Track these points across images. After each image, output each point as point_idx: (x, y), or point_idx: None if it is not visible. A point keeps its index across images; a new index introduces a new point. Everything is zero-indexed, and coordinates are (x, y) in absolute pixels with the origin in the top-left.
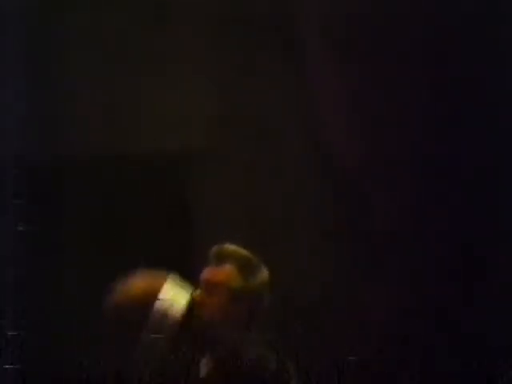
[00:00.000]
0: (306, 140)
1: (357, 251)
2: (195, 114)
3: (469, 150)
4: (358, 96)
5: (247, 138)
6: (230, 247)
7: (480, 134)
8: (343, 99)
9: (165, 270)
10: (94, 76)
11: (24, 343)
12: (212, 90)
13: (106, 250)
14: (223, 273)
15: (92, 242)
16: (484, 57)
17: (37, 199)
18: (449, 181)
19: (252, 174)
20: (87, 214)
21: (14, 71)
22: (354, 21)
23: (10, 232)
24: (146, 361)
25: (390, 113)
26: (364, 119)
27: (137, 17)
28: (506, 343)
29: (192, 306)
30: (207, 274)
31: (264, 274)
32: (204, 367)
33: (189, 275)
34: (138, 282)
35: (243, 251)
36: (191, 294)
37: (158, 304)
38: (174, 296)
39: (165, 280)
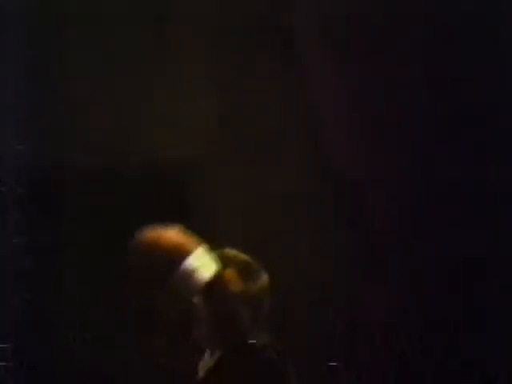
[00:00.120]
0: (305, 140)
1: (357, 251)
2: (195, 114)
3: (469, 149)
4: (357, 96)
5: (247, 138)
6: (231, 252)
7: (480, 133)
8: (343, 99)
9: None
10: (94, 76)
11: None
12: (212, 90)
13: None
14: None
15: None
16: (484, 57)
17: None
18: (449, 181)
19: (252, 174)
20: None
21: (14, 71)
22: (354, 21)
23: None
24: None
25: (390, 113)
26: (364, 119)
27: (137, 17)
28: (506, 343)
29: (216, 280)
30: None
31: (264, 278)
32: (203, 368)
33: None
34: (176, 233)
35: (243, 256)
36: (219, 269)
37: (188, 262)
38: (205, 262)
39: (199, 245)
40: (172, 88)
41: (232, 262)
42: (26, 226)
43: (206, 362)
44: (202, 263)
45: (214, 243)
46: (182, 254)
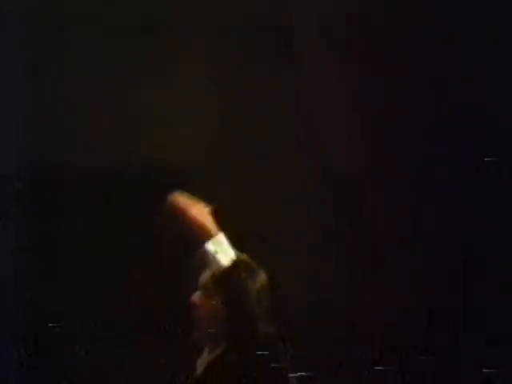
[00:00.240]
0: (305, 140)
1: (357, 251)
2: (195, 114)
3: (469, 149)
4: (357, 96)
5: (247, 138)
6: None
7: (480, 133)
8: (343, 99)
9: None
10: (94, 76)
11: None
12: (212, 90)
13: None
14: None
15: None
16: (484, 57)
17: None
18: (449, 181)
19: (252, 174)
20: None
21: (14, 71)
22: (354, 21)
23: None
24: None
25: (390, 113)
26: (364, 119)
27: (137, 17)
28: (506, 343)
29: (233, 268)
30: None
31: (263, 277)
32: (202, 365)
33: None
34: (204, 212)
35: (242, 256)
36: (237, 257)
37: (208, 245)
38: (226, 249)
39: (221, 232)
40: (172, 88)
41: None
42: (26, 225)
43: (205, 359)
44: (222, 249)
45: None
46: (205, 234)
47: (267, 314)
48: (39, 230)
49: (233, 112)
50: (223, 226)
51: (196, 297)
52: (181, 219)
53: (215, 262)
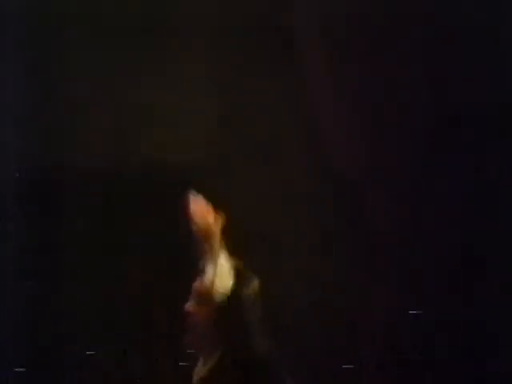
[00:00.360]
0: (305, 140)
1: (357, 251)
2: (195, 114)
3: (469, 149)
4: (357, 96)
5: (247, 137)
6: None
7: (480, 133)
8: (343, 99)
9: None
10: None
11: None
12: (212, 90)
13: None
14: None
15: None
16: (484, 57)
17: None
18: (449, 181)
19: (252, 174)
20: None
21: (14, 71)
22: (354, 21)
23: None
24: None
25: (390, 113)
26: (364, 119)
27: (137, 17)
28: (506, 343)
29: (232, 290)
30: (199, 284)
31: (255, 284)
32: (198, 375)
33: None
34: (215, 221)
35: (236, 263)
36: (237, 278)
37: (211, 268)
38: (226, 270)
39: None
40: (172, 88)
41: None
42: (26, 226)
43: (200, 368)
44: (223, 272)
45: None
46: (207, 247)
47: (260, 323)
48: (39, 230)
49: (233, 112)
50: (223, 225)
51: (189, 306)
52: (192, 222)
53: (218, 284)
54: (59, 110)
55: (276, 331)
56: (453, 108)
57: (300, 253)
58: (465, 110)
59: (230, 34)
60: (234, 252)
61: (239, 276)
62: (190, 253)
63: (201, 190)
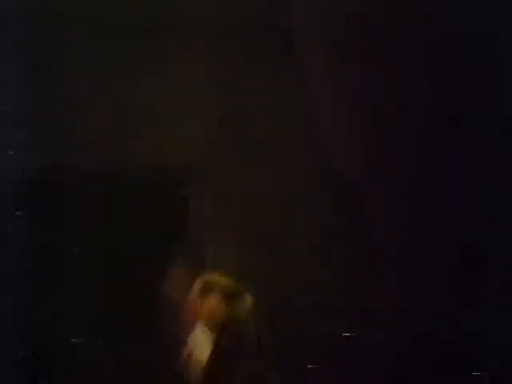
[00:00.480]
0: (305, 140)
1: (357, 251)
2: (195, 114)
3: (469, 149)
4: (357, 96)
5: (247, 137)
6: (214, 278)
7: (480, 133)
8: (343, 99)
9: None
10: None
11: None
12: (212, 90)
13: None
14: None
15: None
16: (484, 57)
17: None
18: (449, 181)
19: (252, 174)
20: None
21: (14, 71)
22: (354, 21)
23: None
24: None
25: (390, 113)
26: (364, 119)
27: (137, 17)
28: (506, 343)
29: (208, 364)
30: (192, 307)
31: (248, 301)
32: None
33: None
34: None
35: (226, 280)
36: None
37: (190, 341)
38: (203, 342)
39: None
40: (172, 88)
41: (215, 287)
42: (26, 226)
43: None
44: (200, 343)
45: (214, 243)
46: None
47: (251, 342)
48: (39, 230)
49: (233, 112)
50: (223, 226)
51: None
52: (177, 298)
53: (195, 357)
54: (59, 109)
55: (275, 332)
56: (453, 108)
57: (300, 253)
58: (465, 110)
59: (230, 34)
60: (233, 252)
61: (230, 294)
62: (190, 253)
63: (200, 190)
